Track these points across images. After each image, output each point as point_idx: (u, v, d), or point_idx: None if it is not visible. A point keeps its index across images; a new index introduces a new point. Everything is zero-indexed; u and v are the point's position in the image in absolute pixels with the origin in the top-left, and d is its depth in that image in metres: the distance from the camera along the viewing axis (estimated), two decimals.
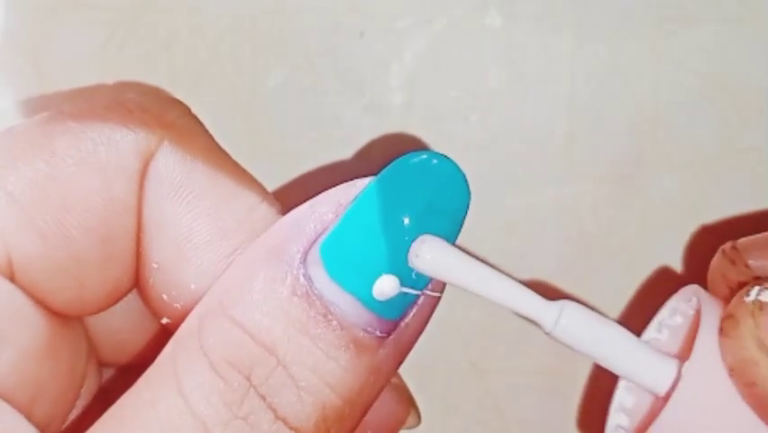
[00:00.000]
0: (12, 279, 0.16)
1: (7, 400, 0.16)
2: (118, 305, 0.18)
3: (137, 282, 0.18)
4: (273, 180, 0.24)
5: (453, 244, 0.16)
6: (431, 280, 0.16)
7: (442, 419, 0.25)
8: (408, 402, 0.20)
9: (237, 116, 0.24)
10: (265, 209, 0.17)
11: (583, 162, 0.24)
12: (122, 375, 0.20)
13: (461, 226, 0.16)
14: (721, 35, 0.24)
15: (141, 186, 0.17)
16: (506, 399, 0.25)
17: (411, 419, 0.20)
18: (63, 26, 0.24)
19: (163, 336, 0.17)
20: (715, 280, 0.20)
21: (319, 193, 0.16)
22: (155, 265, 0.17)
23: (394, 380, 0.20)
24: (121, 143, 0.17)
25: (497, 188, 0.24)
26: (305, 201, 0.16)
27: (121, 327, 0.19)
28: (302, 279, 0.15)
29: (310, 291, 0.15)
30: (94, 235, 0.17)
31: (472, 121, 0.24)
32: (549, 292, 0.24)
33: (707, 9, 0.24)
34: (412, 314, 0.16)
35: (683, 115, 0.24)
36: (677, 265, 0.24)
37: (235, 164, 0.18)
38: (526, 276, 0.25)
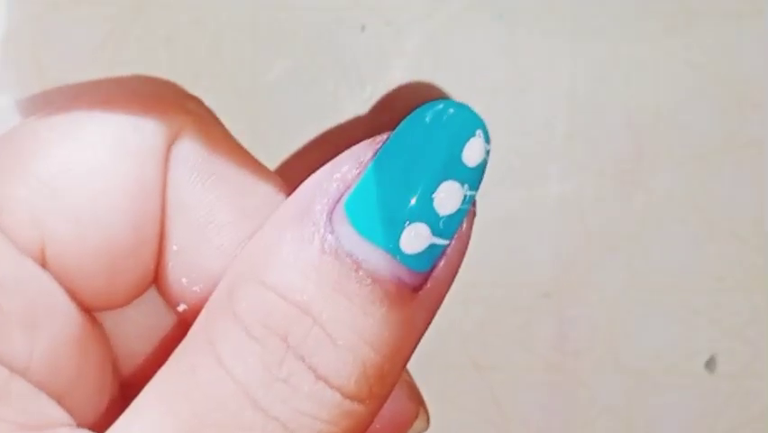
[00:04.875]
0: (44, 267, 0.16)
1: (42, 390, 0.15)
2: (130, 308, 0.18)
3: (155, 270, 0.17)
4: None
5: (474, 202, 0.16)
6: (459, 228, 0.16)
7: (442, 416, 0.25)
8: (419, 401, 0.20)
9: (238, 110, 0.24)
10: (284, 198, 0.17)
11: (584, 158, 0.24)
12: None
13: (483, 173, 0.16)
14: (722, 30, 0.24)
15: (166, 169, 0.17)
16: (507, 395, 0.25)
17: (419, 423, 0.20)
18: (63, 22, 0.24)
19: (171, 342, 0.17)
20: None
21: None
22: (175, 247, 0.17)
23: (406, 378, 0.20)
24: (146, 127, 0.17)
25: (497, 184, 0.24)
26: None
27: (132, 332, 0.19)
28: (329, 237, 0.15)
29: (339, 248, 0.15)
30: (126, 220, 0.16)
31: None
32: (549, 288, 0.24)
33: (707, 4, 0.24)
34: (441, 264, 0.16)
35: (684, 110, 0.24)
36: (677, 262, 0.24)
37: (251, 156, 0.18)
38: (526, 271, 0.24)
